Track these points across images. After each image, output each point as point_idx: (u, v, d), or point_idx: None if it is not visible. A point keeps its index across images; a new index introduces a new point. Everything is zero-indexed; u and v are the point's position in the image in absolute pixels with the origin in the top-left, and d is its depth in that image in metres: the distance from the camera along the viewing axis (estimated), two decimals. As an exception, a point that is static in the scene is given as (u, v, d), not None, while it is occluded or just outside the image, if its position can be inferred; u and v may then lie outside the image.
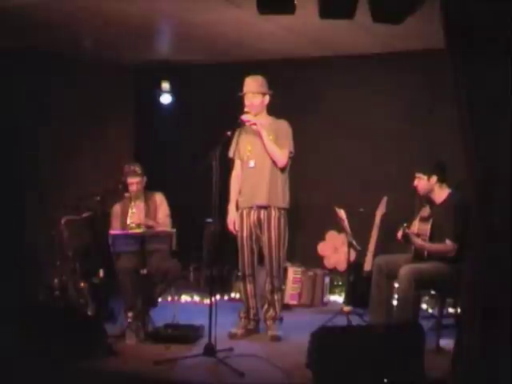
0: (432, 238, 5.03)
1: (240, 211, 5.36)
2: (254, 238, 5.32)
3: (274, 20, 5.57)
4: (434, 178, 5.09)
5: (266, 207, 5.25)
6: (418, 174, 5.14)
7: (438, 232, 5.02)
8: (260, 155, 5.27)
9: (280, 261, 5.31)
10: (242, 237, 5.33)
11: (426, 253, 5.02)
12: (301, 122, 6.51)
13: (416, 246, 5.05)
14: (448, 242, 4.91)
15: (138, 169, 5.66)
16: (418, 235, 5.06)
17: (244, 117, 5.22)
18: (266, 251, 5.29)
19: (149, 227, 5.59)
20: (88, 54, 7.07)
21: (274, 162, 5.24)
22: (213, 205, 4.73)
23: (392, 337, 4.10)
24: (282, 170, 5.28)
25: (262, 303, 5.40)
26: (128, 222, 5.53)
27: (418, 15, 4.14)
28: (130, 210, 5.57)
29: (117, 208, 5.77)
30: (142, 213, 5.68)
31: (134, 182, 5.65)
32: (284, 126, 5.35)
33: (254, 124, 5.23)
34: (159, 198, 5.81)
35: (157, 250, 5.36)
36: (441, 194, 5.14)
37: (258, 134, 5.23)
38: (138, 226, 5.53)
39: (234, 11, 5.57)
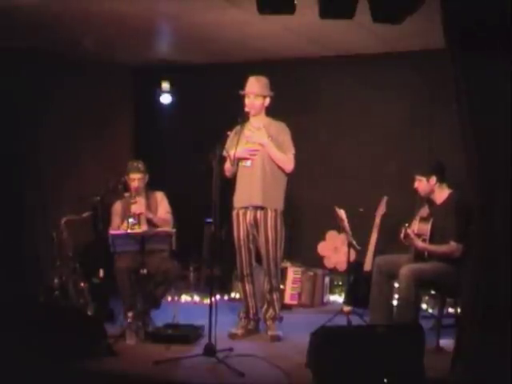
0: (433, 239, 5.02)
1: (236, 211, 5.34)
2: (250, 238, 5.31)
3: (274, 20, 5.56)
4: (434, 179, 5.09)
5: (262, 207, 5.24)
6: (418, 177, 5.14)
7: (439, 232, 5.01)
8: (257, 154, 5.27)
9: (277, 261, 5.30)
10: (238, 237, 5.31)
11: (426, 253, 5.01)
12: (301, 121, 6.53)
13: (419, 248, 5.03)
14: (452, 243, 4.90)
15: (141, 166, 5.70)
16: (418, 235, 5.05)
17: (247, 149, 5.23)
18: (263, 251, 5.28)
19: (149, 220, 5.61)
20: (88, 54, 7.06)
21: (281, 168, 5.25)
22: (213, 205, 4.73)
23: (392, 337, 4.09)
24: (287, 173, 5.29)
25: (261, 303, 5.40)
26: (132, 210, 5.55)
27: (418, 15, 4.13)
28: (131, 204, 5.57)
29: (118, 205, 5.77)
30: (143, 206, 5.68)
31: (136, 178, 5.65)
32: (284, 128, 5.33)
33: (257, 150, 5.23)
34: (160, 196, 5.82)
35: (157, 250, 5.36)
36: (441, 194, 5.14)
37: (261, 140, 5.23)
38: (139, 216, 5.55)
39: (234, 11, 5.57)
